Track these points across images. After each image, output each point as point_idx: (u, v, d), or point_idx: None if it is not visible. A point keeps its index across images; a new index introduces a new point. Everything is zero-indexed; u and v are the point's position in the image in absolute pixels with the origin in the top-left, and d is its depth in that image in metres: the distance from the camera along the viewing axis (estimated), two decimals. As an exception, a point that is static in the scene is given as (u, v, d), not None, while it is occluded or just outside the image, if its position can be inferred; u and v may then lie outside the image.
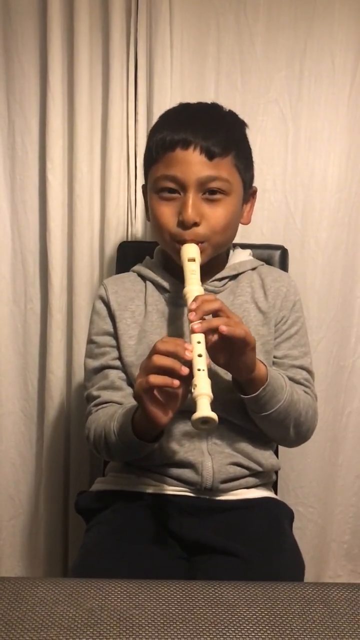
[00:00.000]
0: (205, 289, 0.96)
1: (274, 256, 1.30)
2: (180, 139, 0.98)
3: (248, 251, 1.16)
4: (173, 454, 1.00)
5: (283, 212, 1.42)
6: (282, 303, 1.08)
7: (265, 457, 1.05)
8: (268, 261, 1.23)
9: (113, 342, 1.07)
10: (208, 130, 0.99)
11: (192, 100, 1.11)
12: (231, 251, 1.14)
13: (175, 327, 1.05)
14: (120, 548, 0.92)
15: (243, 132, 1.08)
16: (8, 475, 1.54)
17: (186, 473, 1.00)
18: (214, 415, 0.76)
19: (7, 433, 1.52)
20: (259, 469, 1.04)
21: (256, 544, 0.93)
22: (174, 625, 0.59)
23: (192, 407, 0.79)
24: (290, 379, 1.03)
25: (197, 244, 0.99)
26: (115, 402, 1.04)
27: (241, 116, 1.09)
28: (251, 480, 1.04)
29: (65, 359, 1.45)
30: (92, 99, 1.35)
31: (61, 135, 1.35)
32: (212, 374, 0.82)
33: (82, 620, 0.59)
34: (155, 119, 1.13)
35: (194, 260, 0.97)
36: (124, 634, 0.58)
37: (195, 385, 0.79)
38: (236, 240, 1.10)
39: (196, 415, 0.76)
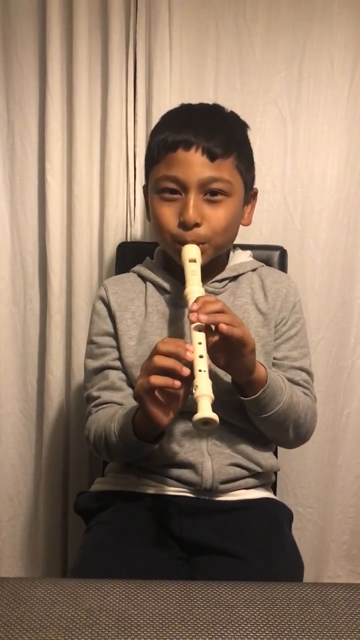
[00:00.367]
0: (206, 290, 0.96)
1: (273, 257, 1.30)
2: (182, 139, 0.98)
3: (248, 252, 1.16)
4: (173, 455, 1.00)
5: (282, 212, 1.43)
6: (282, 304, 1.08)
7: (265, 457, 1.05)
8: (267, 262, 1.23)
9: (113, 342, 1.07)
10: (210, 131, 0.99)
11: (192, 101, 1.11)
12: (231, 252, 1.14)
13: (176, 328, 1.05)
14: (120, 548, 0.92)
15: (244, 134, 1.08)
16: (7, 475, 1.54)
17: (186, 474, 1.00)
18: (215, 416, 0.76)
19: (7, 434, 1.52)
20: (259, 469, 1.04)
21: (255, 545, 0.93)
22: (173, 626, 0.59)
23: (192, 407, 0.79)
24: (290, 380, 1.03)
25: (198, 245, 0.99)
26: (116, 402, 1.04)
27: (240, 117, 1.09)
28: (251, 481, 1.04)
29: (65, 359, 1.45)
30: (92, 100, 1.36)
31: (60, 136, 1.35)
32: (212, 376, 0.82)
33: (80, 621, 0.59)
34: (154, 119, 1.13)
35: (194, 261, 0.97)
36: (123, 634, 0.58)
37: (196, 386, 0.79)
38: (235, 241, 1.10)
39: (197, 416, 0.77)
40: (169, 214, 1.00)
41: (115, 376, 1.06)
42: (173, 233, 1.00)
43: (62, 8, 1.30)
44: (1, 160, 1.41)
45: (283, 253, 1.31)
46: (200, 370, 0.80)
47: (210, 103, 1.10)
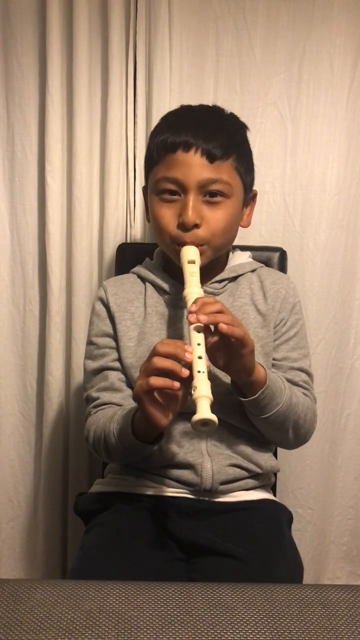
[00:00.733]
0: (205, 291, 0.96)
1: (273, 258, 1.30)
2: (182, 141, 0.98)
3: (247, 253, 1.16)
4: (172, 456, 1.00)
5: (282, 214, 1.43)
6: (282, 305, 1.08)
7: (265, 458, 1.05)
8: (267, 263, 1.23)
9: (113, 343, 1.07)
10: (209, 133, 0.99)
11: (191, 102, 1.12)
12: (231, 253, 1.14)
13: (175, 329, 1.05)
14: (119, 550, 0.92)
15: (244, 135, 1.08)
16: (7, 477, 1.54)
17: (185, 474, 1.00)
18: (214, 417, 0.76)
19: (6, 435, 1.52)
20: (258, 470, 1.04)
21: (255, 546, 0.93)
22: (173, 627, 0.59)
23: (191, 408, 0.79)
24: (289, 381, 1.03)
25: (197, 246, 0.99)
26: (115, 403, 1.04)
27: (240, 119, 1.09)
28: (250, 482, 1.04)
29: (64, 360, 1.45)
30: (92, 102, 1.36)
31: (60, 138, 1.35)
32: (211, 377, 0.82)
33: (80, 622, 0.59)
34: (154, 121, 1.13)
35: (193, 262, 0.97)
36: (123, 635, 0.58)
37: (195, 387, 0.79)
38: (235, 242, 1.10)
39: (196, 417, 0.77)
40: (168, 215, 1.01)
41: (115, 377, 1.06)
42: (172, 234, 1.00)
43: (62, 10, 1.30)
44: (1, 162, 1.41)
45: (283, 254, 1.32)
46: (199, 371, 0.80)
47: (210, 105, 1.10)
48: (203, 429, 0.78)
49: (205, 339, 0.84)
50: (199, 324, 0.85)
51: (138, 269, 1.14)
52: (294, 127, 1.39)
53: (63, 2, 1.30)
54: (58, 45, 1.31)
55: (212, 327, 0.86)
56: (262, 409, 0.95)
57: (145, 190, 1.11)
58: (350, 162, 1.41)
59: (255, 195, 1.11)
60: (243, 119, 1.10)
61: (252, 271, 1.12)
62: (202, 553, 0.95)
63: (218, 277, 1.09)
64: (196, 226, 0.98)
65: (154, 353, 0.83)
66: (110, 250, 1.40)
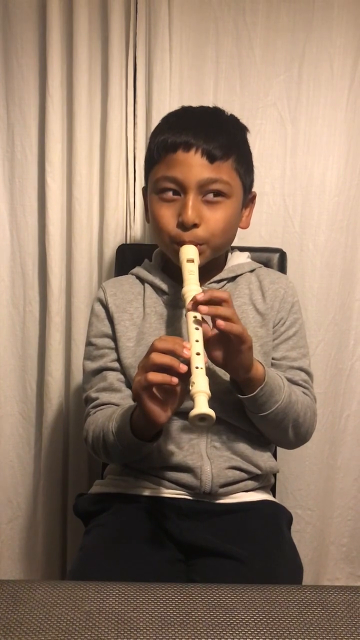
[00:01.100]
0: (203, 291, 0.96)
1: (273, 259, 1.30)
2: (182, 141, 0.98)
3: (246, 254, 1.16)
4: (172, 457, 1.00)
5: (282, 215, 1.43)
6: (280, 304, 1.08)
7: (264, 459, 1.05)
8: (267, 264, 1.23)
9: (112, 344, 1.07)
10: (209, 133, 0.99)
11: (191, 103, 1.12)
12: (229, 254, 1.14)
13: (174, 329, 1.05)
14: (119, 551, 0.92)
15: (244, 137, 1.08)
16: (6, 477, 1.54)
17: (185, 477, 1.00)
18: (211, 412, 0.77)
19: (6, 435, 1.52)
20: (258, 472, 1.04)
21: (254, 547, 0.93)
22: (172, 628, 0.59)
23: (191, 407, 0.79)
24: (289, 380, 1.03)
25: (196, 245, 0.99)
26: (114, 403, 1.04)
27: (240, 120, 1.10)
28: (250, 483, 1.04)
29: (64, 361, 1.45)
30: (92, 103, 1.36)
31: (60, 139, 1.36)
32: (210, 374, 0.82)
33: (80, 623, 0.59)
34: (154, 122, 1.13)
35: (192, 261, 0.97)
36: (122, 636, 0.58)
37: (193, 382, 0.79)
38: (235, 242, 1.10)
39: (193, 412, 0.77)
40: (167, 215, 1.01)
41: (114, 377, 1.06)
42: (171, 234, 1.01)
43: (62, 11, 1.31)
44: (1, 162, 1.41)
45: (282, 255, 1.32)
46: (197, 367, 0.80)
47: (210, 106, 1.10)
48: (201, 424, 0.78)
49: (203, 333, 0.85)
50: (197, 317, 0.85)
51: (137, 269, 1.14)
52: (293, 128, 1.39)
53: (63, 3, 1.30)
54: (58, 45, 1.31)
55: (210, 323, 0.87)
56: (261, 406, 0.95)
57: (145, 191, 1.11)
58: (350, 163, 1.41)
59: (254, 196, 1.11)
60: (243, 120, 1.10)
61: (251, 271, 1.12)
62: (202, 554, 0.95)
63: (217, 277, 1.09)
64: (195, 226, 0.99)
65: (152, 349, 0.83)
66: (110, 251, 1.40)
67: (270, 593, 0.64)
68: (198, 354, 0.82)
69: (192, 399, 0.79)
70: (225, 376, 0.97)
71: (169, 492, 1.01)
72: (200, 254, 0.99)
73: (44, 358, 1.45)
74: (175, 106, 1.12)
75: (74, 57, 1.31)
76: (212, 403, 0.78)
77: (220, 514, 1.00)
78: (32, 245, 1.44)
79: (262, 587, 0.65)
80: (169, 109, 1.13)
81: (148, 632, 0.58)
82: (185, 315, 0.87)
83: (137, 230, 1.41)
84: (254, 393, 0.93)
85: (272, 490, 1.15)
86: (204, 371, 0.81)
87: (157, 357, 0.82)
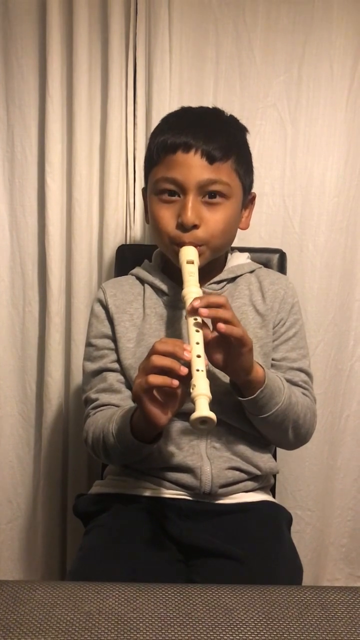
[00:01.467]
0: (204, 292, 0.96)
1: (272, 260, 1.30)
2: (182, 142, 0.98)
3: (246, 254, 1.16)
4: (172, 457, 1.00)
5: (281, 215, 1.43)
6: (280, 305, 1.08)
7: (264, 460, 1.05)
8: (266, 265, 1.23)
9: (111, 345, 1.07)
10: (209, 134, 0.99)
11: (191, 104, 1.12)
12: (229, 254, 1.14)
13: (174, 330, 1.05)
14: (119, 551, 0.92)
15: (244, 138, 1.08)
16: (6, 478, 1.54)
17: (185, 478, 1.00)
18: (212, 415, 0.77)
19: (5, 436, 1.52)
20: (258, 472, 1.04)
21: (254, 548, 0.93)
22: (172, 629, 0.59)
23: (191, 408, 0.79)
24: (289, 381, 1.03)
25: (196, 246, 0.99)
26: (114, 404, 1.04)
27: (240, 120, 1.10)
28: (250, 484, 1.04)
29: (64, 362, 1.45)
30: (91, 103, 1.36)
31: (60, 139, 1.36)
32: (210, 376, 0.82)
33: (80, 624, 0.59)
34: (154, 123, 1.13)
35: (192, 262, 0.97)
36: (122, 637, 0.58)
37: (194, 385, 0.79)
38: (235, 243, 1.10)
39: (195, 415, 0.77)
40: (167, 216, 1.01)
41: (114, 378, 1.06)
42: (171, 235, 1.01)
43: (62, 11, 1.31)
44: (1, 163, 1.41)
45: (282, 256, 1.32)
46: (197, 370, 0.80)
47: (210, 106, 1.10)
48: (202, 427, 0.78)
49: (203, 336, 0.85)
50: (198, 320, 0.85)
51: (137, 270, 1.14)
52: (293, 129, 1.39)
53: (63, 3, 1.30)
54: (58, 46, 1.31)
55: (210, 325, 0.87)
56: (261, 408, 0.95)
57: (144, 191, 1.11)
58: (350, 164, 1.41)
59: (254, 197, 1.11)
60: (243, 120, 1.10)
61: (251, 272, 1.12)
62: (202, 554, 0.95)
63: (217, 278, 1.09)
64: (195, 227, 0.99)
65: (153, 351, 0.83)
66: (109, 252, 1.40)
67: (270, 593, 0.64)
68: (199, 356, 0.82)
69: (193, 401, 0.78)
70: (225, 377, 0.97)
71: (169, 493, 1.01)
72: (200, 255, 0.99)
73: (43, 358, 1.45)
74: (175, 107, 1.12)
75: (74, 57, 1.32)
76: (211, 404, 0.78)
77: (220, 515, 1.00)
78: (31, 245, 1.44)
79: (261, 587, 0.65)
80: (168, 110, 1.13)
81: (148, 633, 0.58)
82: (186, 318, 0.87)
83: (137, 230, 1.42)
84: (254, 395, 0.93)
85: (272, 491, 1.15)
86: (204, 374, 0.80)
87: (158, 360, 0.82)
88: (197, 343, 0.84)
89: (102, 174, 1.39)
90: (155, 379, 0.81)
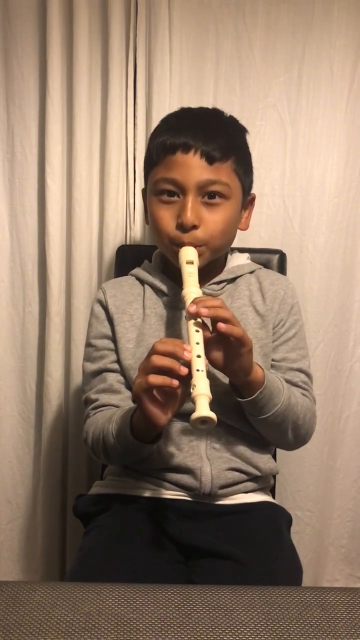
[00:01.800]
0: (204, 293, 0.96)
1: (272, 260, 1.30)
2: (181, 142, 0.98)
3: (246, 255, 1.16)
4: (172, 458, 1.00)
5: (281, 216, 1.43)
6: (280, 306, 1.08)
7: (264, 461, 1.05)
8: (266, 265, 1.23)
9: (111, 345, 1.07)
10: (209, 135, 0.99)
11: (191, 105, 1.12)
12: (229, 255, 1.14)
13: (174, 330, 1.05)
14: (118, 552, 0.92)
15: (243, 138, 1.08)
16: (6, 478, 1.54)
17: (184, 479, 1.00)
18: (212, 415, 0.77)
19: (5, 436, 1.52)
20: (257, 473, 1.04)
21: (254, 548, 0.93)
22: (172, 630, 0.59)
23: (191, 409, 0.79)
24: (289, 381, 1.03)
25: (195, 247, 0.99)
26: (114, 405, 1.04)
27: (240, 121, 1.10)
28: (249, 484, 1.04)
29: (64, 362, 1.45)
30: (92, 104, 1.36)
31: (60, 140, 1.36)
32: (210, 377, 0.82)
33: (79, 625, 0.59)
34: (154, 123, 1.13)
35: (192, 262, 0.97)
36: (122, 638, 0.58)
37: (194, 385, 0.79)
38: (234, 244, 1.10)
39: (195, 415, 0.77)
40: (167, 216, 1.01)
41: (114, 379, 1.06)
42: (171, 235, 1.01)
43: (62, 11, 1.31)
44: (1, 163, 1.41)
45: (282, 257, 1.32)
46: (198, 370, 0.80)
47: (210, 107, 1.10)
48: (202, 427, 0.78)
49: (203, 338, 0.85)
50: (198, 320, 0.85)
51: (137, 271, 1.14)
52: (293, 130, 1.39)
53: (63, 4, 1.30)
54: (58, 46, 1.31)
55: (210, 326, 0.87)
56: (261, 409, 0.95)
57: (144, 192, 1.11)
58: (350, 164, 1.41)
59: (253, 198, 1.11)
60: (243, 121, 1.10)
61: (251, 272, 1.12)
62: (201, 555, 0.95)
63: (216, 279, 1.09)
64: (195, 227, 0.99)
65: (153, 351, 0.83)
66: (109, 252, 1.40)
67: (270, 594, 0.64)
68: (199, 356, 0.82)
69: (193, 401, 0.78)
70: (224, 378, 0.97)
71: (169, 494, 1.01)
72: (199, 255, 0.99)
73: (43, 359, 1.45)
74: (175, 107, 1.13)
75: (74, 58, 1.32)
76: (211, 405, 0.78)
77: (220, 515, 1.00)
78: (31, 246, 1.44)
79: (261, 588, 0.65)
80: (168, 110, 1.13)
81: (148, 634, 0.58)
82: (185, 318, 0.87)
83: (137, 231, 1.42)
84: (254, 396, 0.93)
85: (272, 492, 1.15)
86: (204, 374, 0.81)
87: (158, 360, 0.82)
88: (197, 343, 0.84)
89: (102, 175, 1.39)
90: (155, 379, 0.81)
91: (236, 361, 0.89)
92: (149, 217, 1.07)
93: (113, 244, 1.40)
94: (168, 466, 1.00)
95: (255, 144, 1.35)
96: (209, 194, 0.99)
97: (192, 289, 0.92)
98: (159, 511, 0.99)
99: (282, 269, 1.31)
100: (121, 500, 1.02)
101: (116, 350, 1.07)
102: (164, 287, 1.08)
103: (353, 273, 1.47)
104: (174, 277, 1.07)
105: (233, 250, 1.16)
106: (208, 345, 0.86)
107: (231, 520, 0.99)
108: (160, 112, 1.29)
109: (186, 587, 0.65)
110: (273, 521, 1.03)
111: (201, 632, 0.59)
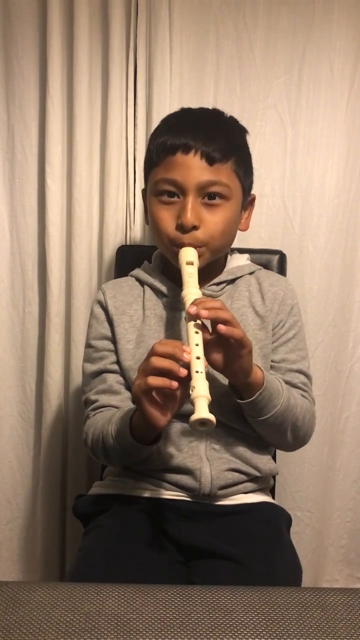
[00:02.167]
0: (203, 294, 0.96)
1: (272, 261, 1.30)
2: (181, 143, 0.98)
3: (246, 255, 1.16)
4: (171, 459, 1.00)
5: (281, 217, 1.43)
6: (280, 307, 1.08)
7: (264, 462, 1.05)
8: (266, 266, 1.23)
9: (111, 346, 1.07)
10: (209, 135, 0.99)
11: (191, 105, 1.12)
12: (229, 256, 1.14)
13: (173, 331, 1.05)
14: (118, 552, 0.92)
15: (243, 139, 1.08)
16: (5, 478, 1.54)
17: (184, 479, 1.00)
18: (211, 417, 0.77)
19: (5, 436, 1.52)
20: (257, 474, 1.04)
21: (254, 549, 0.93)
22: (172, 630, 0.59)
23: (190, 410, 0.79)
24: (288, 382, 1.03)
25: (195, 248, 0.99)
26: (113, 406, 1.03)
27: (240, 122, 1.10)
28: (249, 485, 1.04)
29: (64, 362, 1.45)
30: (92, 104, 1.36)
31: (60, 140, 1.36)
32: (209, 378, 0.82)
33: (79, 625, 0.59)
34: (154, 124, 1.13)
35: (192, 263, 0.97)
36: (122, 638, 0.58)
37: (194, 387, 0.79)
38: (234, 244, 1.10)
39: (194, 417, 0.77)
40: (167, 217, 1.01)
41: (113, 379, 1.06)
42: (171, 236, 1.01)
43: (63, 12, 1.31)
44: (1, 163, 1.41)
45: (282, 257, 1.32)
46: (197, 372, 0.80)
47: (210, 108, 1.10)
48: (201, 428, 0.78)
49: (203, 339, 0.85)
50: (197, 321, 0.85)
51: (136, 272, 1.14)
52: (293, 130, 1.39)
53: (63, 4, 1.31)
54: (58, 47, 1.31)
55: (209, 328, 0.87)
56: (260, 410, 0.95)
57: (144, 192, 1.11)
58: (350, 165, 1.41)
59: (253, 199, 1.11)
60: (243, 122, 1.10)
61: (251, 273, 1.12)
62: (201, 556, 0.94)
63: (216, 280, 1.09)
64: (195, 228, 0.99)
65: (152, 353, 0.83)
66: (109, 252, 1.40)
67: (270, 595, 0.64)
68: (198, 357, 0.82)
69: (192, 403, 0.78)
70: (224, 379, 0.97)
71: (169, 494, 1.01)
72: (199, 256, 0.99)
73: (43, 359, 1.45)
74: (175, 108, 1.13)
75: (75, 58, 1.32)
76: (210, 406, 0.78)
77: (220, 516, 1.00)
78: (32, 246, 1.44)
79: (261, 589, 0.65)
80: (169, 111, 1.13)
81: (148, 634, 0.58)
82: (185, 319, 0.87)
83: (137, 231, 1.42)
84: (253, 398, 0.93)
85: (272, 492, 1.15)
86: (204, 375, 0.81)
87: (157, 361, 0.82)
88: (197, 345, 0.84)
89: (102, 175, 1.40)
90: (155, 381, 0.81)
91: (236, 363, 0.89)
92: (149, 217, 1.07)
93: (113, 245, 1.40)
94: (168, 467, 1.00)
95: (255, 144, 1.35)
96: (209, 195, 0.99)
97: (192, 290, 0.92)
98: (159, 512, 0.99)
99: (282, 269, 1.31)
100: (121, 500, 1.02)
101: (116, 351, 1.07)
102: (163, 288, 1.08)
103: (353, 273, 1.47)
104: (173, 278, 1.07)
105: (233, 250, 1.16)
106: (208, 346, 0.86)
107: (231, 520, 0.99)
108: (161, 112, 1.29)
109: (186, 587, 0.66)
110: (273, 522, 1.03)
111: (201, 632, 0.59)
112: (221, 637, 0.58)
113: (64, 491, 1.52)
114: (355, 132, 1.40)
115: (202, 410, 0.77)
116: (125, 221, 1.41)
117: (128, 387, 1.05)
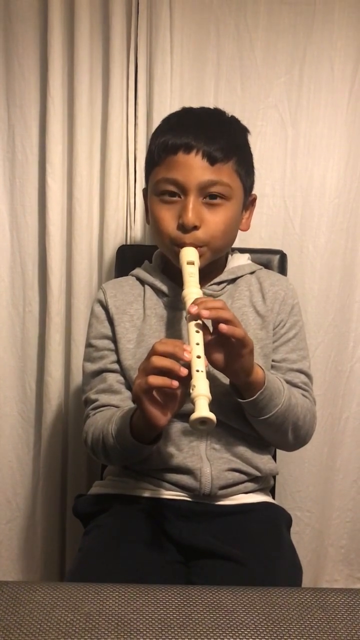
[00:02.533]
0: (204, 293, 0.96)
1: (273, 261, 1.30)
2: (183, 143, 0.98)
3: (246, 255, 1.16)
4: (171, 458, 1.00)
5: (282, 216, 1.43)
6: (280, 307, 1.08)
7: (264, 462, 1.05)
8: (267, 266, 1.23)
9: (111, 345, 1.07)
10: (210, 135, 0.99)
11: (192, 105, 1.12)
12: (230, 255, 1.14)
13: (174, 331, 1.05)
14: (118, 552, 0.92)
15: (245, 138, 1.08)
16: (5, 478, 1.54)
17: (184, 479, 1.00)
18: (212, 416, 0.77)
19: (5, 436, 1.52)
20: (257, 474, 1.04)
21: (254, 549, 0.93)
22: (172, 630, 0.59)
23: (191, 410, 0.79)
24: (289, 382, 1.03)
25: (196, 247, 0.99)
26: (114, 405, 1.03)
27: (241, 122, 1.10)
28: (249, 485, 1.04)
29: (64, 362, 1.45)
30: (92, 104, 1.36)
31: (61, 139, 1.36)
32: (210, 378, 0.82)
33: (79, 625, 0.59)
34: (155, 123, 1.13)
35: (192, 263, 0.97)
36: (122, 638, 0.58)
37: (194, 386, 0.79)
38: (235, 244, 1.10)
39: (194, 416, 0.77)
40: (168, 217, 1.01)
41: (114, 379, 1.06)
42: (172, 236, 1.01)
43: (63, 12, 1.31)
44: (1, 163, 1.41)
45: (283, 257, 1.32)
46: (197, 371, 0.80)
47: (211, 107, 1.10)
48: (201, 427, 0.78)
49: (203, 337, 0.85)
50: (198, 321, 0.85)
51: (137, 271, 1.14)
52: (294, 130, 1.39)
53: (64, 4, 1.30)
54: (59, 46, 1.31)
55: (210, 328, 0.87)
56: (261, 410, 0.95)
57: (145, 192, 1.11)
58: (351, 165, 1.41)
59: (254, 199, 1.11)
60: (244, 121, 1.10)
61: (251, 273, 1.12)
62: (201, 556, 0.95)
63: (217, 279, 1.09)
64: (196, 228, 0.98)
65: (153, 352, 0.83)
66: (110, 252, 1.40)
67: (270, 595, 0.64)
68: (199, 357, 0.82)
69: (192, 402, 0.78)
70: (225, 378, 0.97)
71: (169, 494, 1.01)
72: (200, 256, 0.99)
73: (43, 358, 1.45)
74: (176, 107, 1.13)
75: (75, 58, 1.32)
76: (211, 405, 0.78)
77: (220, 516, 1.00)
78: (32, 245, 1.44)
79: (261, 589, 0.65)
80: (169, 110, 1.13)
81: (148, 634, 0.58)
82: (186, 319, 0.87)
83: (138, 231, 1.42)
84: (254, 397, 0.93)
85: (272, 492, 1.15)
86: (204, 374, 0.80)
87: (158, 360, 0.82)
88: (197, 344, 0.84)
89: (102, 175, 1.39)
90: (155, 380, 0.81)
91: (237, 362, 0.89)
92: (150, 217, 1.07)
93: (113, 244, 1.40)
94: (168, 466, 1.00)
95: (256, 144, 1.35)
96: (210, 195, 0.99)
97: (192, 290, 0.92)
98: (159, 511, 0.99)
99: (282, 269, 1.31)
100: (121, 500, 1.02)
101: (116, 351, 1.07)
102: (164, 288, 1.08)
103: (353, 274, 1.47)
104: (174, 277, 1.07)
105: (234, 250, 1.16)
106: (209, 346, 0.86)
107: (231, 520, 0.99)
108: (161, 112, 1.29)
109: (186, 587, 0.65)
110: (273, 522, 1.03)
111: (201, 632, 0.59)
112: (221, 637, 0.58)
113: (64, 491, 1.51)
114: (355, 132, 1.40)
115: (202, 409, 0.77)
116: (126, 221, 1.41)
117: (128, 386, 1.05)
